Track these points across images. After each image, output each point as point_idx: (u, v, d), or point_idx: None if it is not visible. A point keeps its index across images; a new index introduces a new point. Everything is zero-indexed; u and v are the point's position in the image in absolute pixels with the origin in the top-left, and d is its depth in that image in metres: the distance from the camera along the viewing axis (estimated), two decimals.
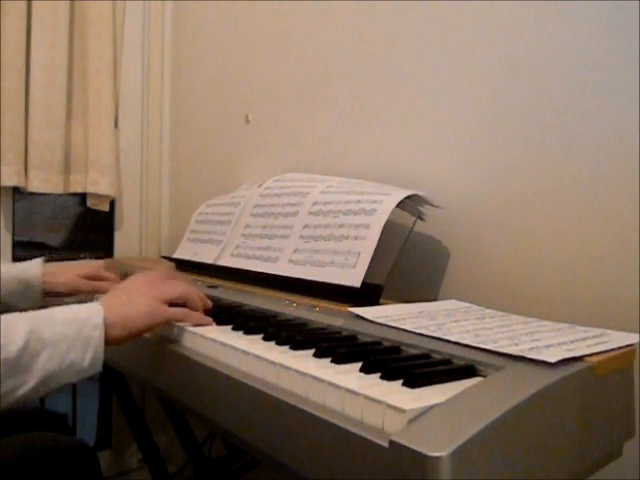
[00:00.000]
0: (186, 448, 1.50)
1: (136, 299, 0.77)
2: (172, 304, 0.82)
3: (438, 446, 0.44)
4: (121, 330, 0.73)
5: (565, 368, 0.58)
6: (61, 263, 1.14)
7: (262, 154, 1.58)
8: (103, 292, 0.98)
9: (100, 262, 1.16)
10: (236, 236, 1.26)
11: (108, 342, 0.72)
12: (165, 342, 0.82)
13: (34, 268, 1.05)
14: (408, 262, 1.05)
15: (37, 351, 0.66)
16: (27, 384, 0.65)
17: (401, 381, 0.57)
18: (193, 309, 0.84)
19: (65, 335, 0.68)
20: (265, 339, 0.74)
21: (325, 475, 0.54)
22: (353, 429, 0.51)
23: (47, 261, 1.11)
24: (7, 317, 0.67)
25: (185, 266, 1.38)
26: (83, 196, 1.80)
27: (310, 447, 0.56)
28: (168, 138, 1.98)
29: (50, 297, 1.07)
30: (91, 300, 0.79)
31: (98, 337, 0.70)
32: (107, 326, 0.72)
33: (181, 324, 0.82)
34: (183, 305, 0.83)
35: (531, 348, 0.62)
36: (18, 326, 0.66)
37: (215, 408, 0.71)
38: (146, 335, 0.85)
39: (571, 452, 0.59)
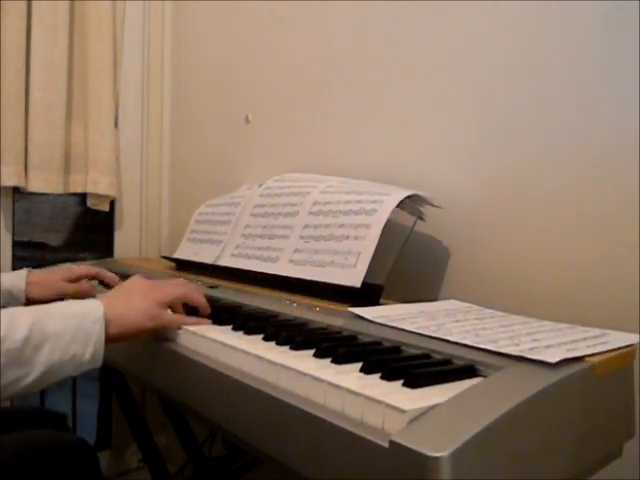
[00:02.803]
0: (186, 448, 1.49)
1: (136, 301, 0.78)
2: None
3: (438, 446, 0.44)
4: (117, 329, 0.74)
5: (565, 368, 0.58)
6: (45, 269, 1.15)
7: (262, 154, 1.58)
8: (86, 294, 1.03)
9: (82, 267, 1.17)
10: (236, 236, 1.26)
11: (104, 339, 0.73)
12: (165, 342, 0.82)
13: (17, 280, 1.06)
14: (408, 262, 1.05)
15: (40, 343, 0.67)
16: (30, 376, 0.67)
17: (401, 381, 0.57)
18: (196, 306, 0.86)
19: (67, 328, 0.70)
20: (265, 339, 0.74)
21: (325, 475, 0.54)
22: (353, 429, 0.51)
23: (41, 265, 1.13)
24: (8, 310, 0.69)
25: (185, 266, 1.38)
26: (83, 196, 1.80)
27: (310, 447, 0.56)
28: (168, 138, 1.98)
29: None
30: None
31: (98, 331, 0.72)
32: (105, 322, 0.73)
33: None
34: (184, 304, 0.85)
35: (531, 348, 0.62)
36: (20, 319, 0.67)
37: (215, 408, 0.71)
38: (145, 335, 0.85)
39: (571, 452, 0.59)
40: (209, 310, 0.87)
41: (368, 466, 0.49)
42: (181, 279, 0.90)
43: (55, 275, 1.10)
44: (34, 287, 1.05)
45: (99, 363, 0.73)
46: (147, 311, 0.78)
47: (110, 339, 0.73)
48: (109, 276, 1.15)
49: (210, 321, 0.84)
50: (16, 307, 0.70)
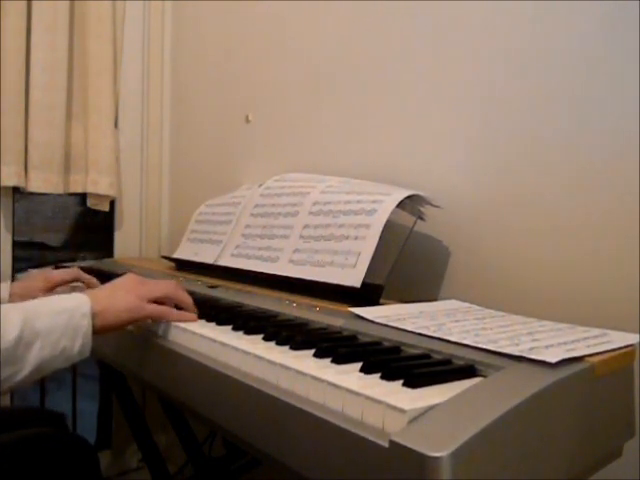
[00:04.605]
0: (186, 448, 1.49)
1: (119, 295, 0.81)
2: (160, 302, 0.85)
3: (438, 446, 0.44)
4: (102, 322, 0.77)
5: (565, 368, 0.58)
6: (26, 277, 1.17)
7: (262, 154, 1.58)
8: None
9: (60, 272, 1.13)
10: (236, 236, 1.26)
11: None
12: (165, 341, 0.82)
13: (3, 292, 1.04)
14: (408, 262, 1.05)
15: (31, 341, 0.70)
16: (22, 372, 0.70)
17: (401, 381, 0.57)
18: (182, 307, 0.86)
19: (56, 325, 0.73)
20: (265, 339, 0.74)
21: (325, 475, 0.54)
22: (353, 429, 0.51)
23: (41, 265, 1.13)
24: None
25: (185, 266, 1.38)
26: (83, 196, 1.80)
27: (310, 447, 0.56)
28: (168, 138, 1.98)
29: None
30: None
31: (87, 325, 0.75)
32: (91, 316, 0.76)
33: (180, 324, 0.82)
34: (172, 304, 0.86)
35: (531, 348, 0.62)
36: (11, 317, 0.70)
37: (215, 408, 0.71)
38: (146, 335, 0.85)
39: (571, 452, 0.59)
40: (195, 310, 0.88)
41: (368, 466, 0.49)
42: (172, 281, 0.91)
43: (35, 284, 1.07)
44: (17, 298, 1.02)
45: (87, 354, 0.76)
46: (128, 304, 0.80)
47: (96, 331, 0.77)
48: (88, 278, 1.11)
49: (196, 316, 0.86)
50: (4, 305, 0.72)
